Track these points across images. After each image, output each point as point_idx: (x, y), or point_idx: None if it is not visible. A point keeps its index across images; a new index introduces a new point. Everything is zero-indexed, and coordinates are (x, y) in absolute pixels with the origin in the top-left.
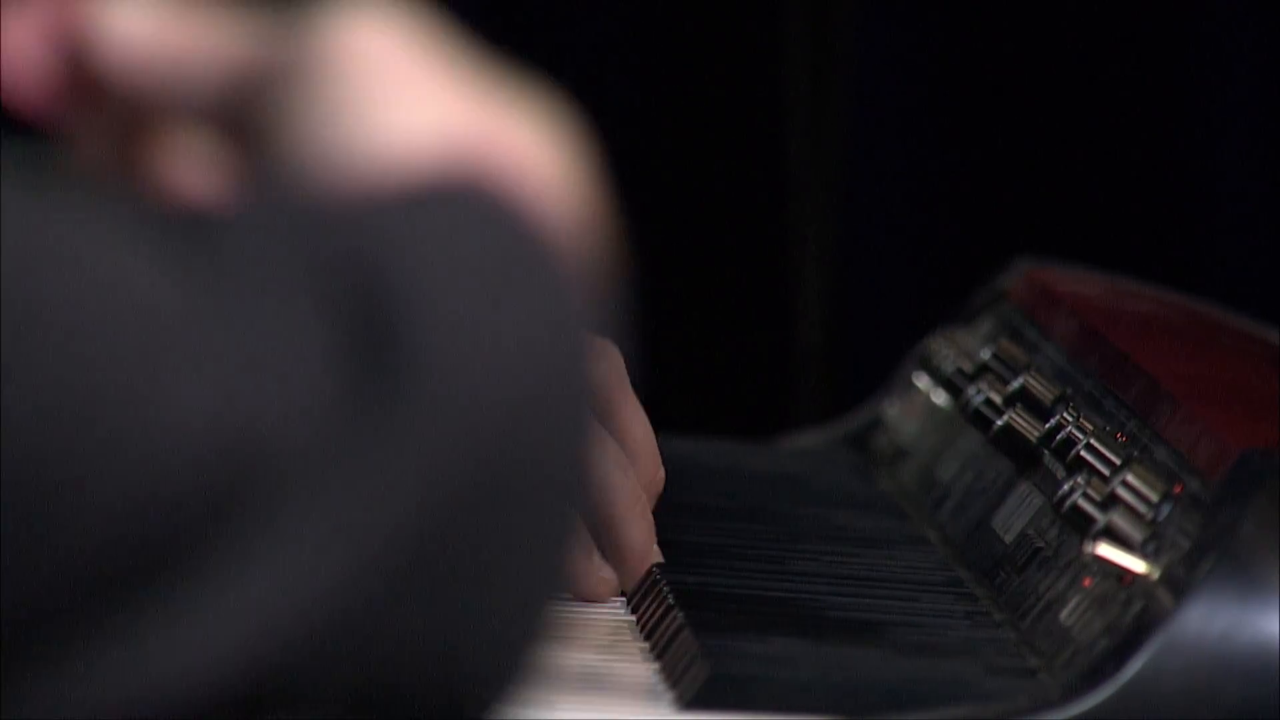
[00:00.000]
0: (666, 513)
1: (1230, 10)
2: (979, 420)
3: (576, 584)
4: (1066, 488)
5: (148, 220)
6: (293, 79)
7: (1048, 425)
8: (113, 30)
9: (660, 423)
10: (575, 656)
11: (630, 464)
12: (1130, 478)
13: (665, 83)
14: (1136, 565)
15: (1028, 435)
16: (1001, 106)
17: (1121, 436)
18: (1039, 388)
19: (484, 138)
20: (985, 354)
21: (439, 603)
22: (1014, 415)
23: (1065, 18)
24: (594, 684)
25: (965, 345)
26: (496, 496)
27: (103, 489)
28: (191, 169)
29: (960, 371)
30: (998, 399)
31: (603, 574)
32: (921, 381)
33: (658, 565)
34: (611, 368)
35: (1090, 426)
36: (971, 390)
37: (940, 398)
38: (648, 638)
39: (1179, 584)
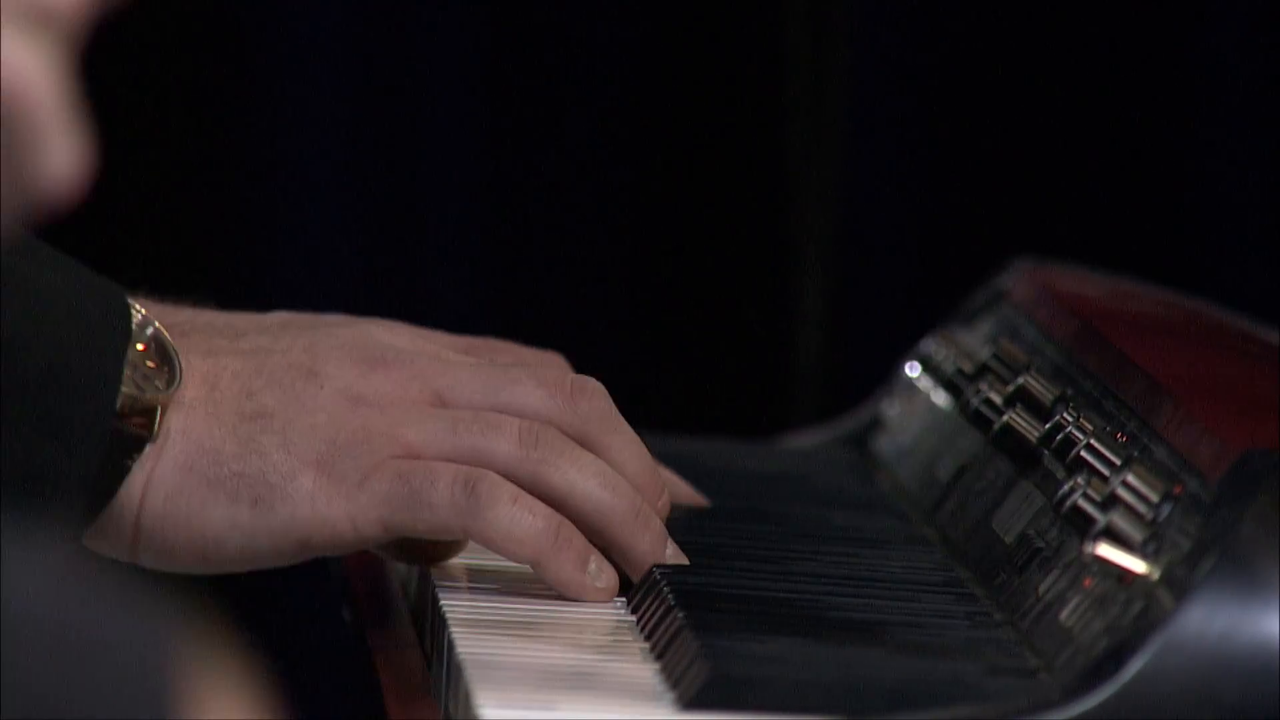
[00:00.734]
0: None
1: (1230, 10)
2: (979, 420)
3: (574, 593)
4: (1066, 488)
5: None
6: None
7: (1048, 425)
8: None
9: (660, 423)
10: (576, 656)
11: (620, 480)
12: (1130, 478)
13: (666, 83)
14: (1136, 565)
15: (1028, 435)
16: (1001, 107)
17: (1121, 436)
18: (1039, 388)
19: None
20: (985, 354)
21: None
22: (1014, 415)
23: (1065, 18)
24: (595, 684)
25: (965, 345)
26: None
27: None
28: None
29: (960, 371)
30: (998, 399)
31: (598, 584)
32: (921, 382)
33: (658, 565)
34: (593, 408)
35: (1090, 426)
36: (971, 390)
37: (940, 398)
38: (648, 638)
39: (1179, 584)
